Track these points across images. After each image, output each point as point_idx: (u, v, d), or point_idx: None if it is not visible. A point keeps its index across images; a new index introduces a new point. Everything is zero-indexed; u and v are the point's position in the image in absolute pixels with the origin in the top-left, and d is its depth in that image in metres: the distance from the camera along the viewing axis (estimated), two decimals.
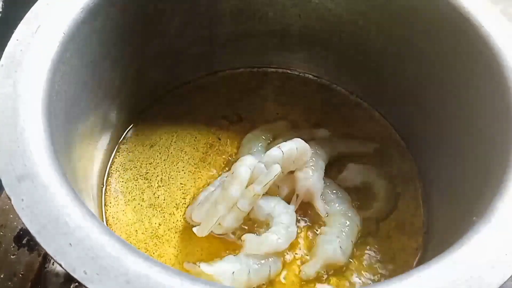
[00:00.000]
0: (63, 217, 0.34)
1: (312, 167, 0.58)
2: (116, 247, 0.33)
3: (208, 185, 0.59)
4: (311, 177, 0.57)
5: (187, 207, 0.58)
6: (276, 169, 0.53)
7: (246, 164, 0.53)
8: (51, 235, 0.34)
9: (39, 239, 0.33)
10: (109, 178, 0.60)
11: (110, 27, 0.52)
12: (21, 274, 0.55)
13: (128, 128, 0.64)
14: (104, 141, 0.59)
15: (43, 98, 0.41)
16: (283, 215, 0.54)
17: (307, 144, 0.57)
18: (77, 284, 0.56)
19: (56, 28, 0.45)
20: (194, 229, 0.53)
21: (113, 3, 0.51)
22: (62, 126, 0.45)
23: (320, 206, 0.56)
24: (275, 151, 0.55)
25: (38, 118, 0.40)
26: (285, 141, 0.60)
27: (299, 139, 0.56)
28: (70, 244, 0.33)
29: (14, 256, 0.56)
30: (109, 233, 0.34)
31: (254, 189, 0.52)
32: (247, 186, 0.52)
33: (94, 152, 0.57)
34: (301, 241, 0.56)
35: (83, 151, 0.52)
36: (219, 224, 0.52)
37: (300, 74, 0.72)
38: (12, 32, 0.44)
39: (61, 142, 0.44)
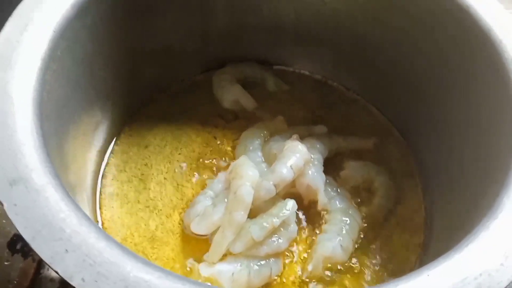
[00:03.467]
0: (58, 222, 0.33)
1: (309, 164, 0.57)
2: (114, 252, 0.32)
3: (205, 185, 0.58)
4: (309, 173, 0.56)
5: (184, 209, 0.57)
6: (294, 207, 0.52)
7: (249, 183, 0.51)
8: (46, 241, 0.32)
9: (34, 246, 0.32)
10: (103, 180, 0.58)
11: (101, 24, 0.51)
12: (16, 280, 0.54)
13: (122, 129, 0.63)
14: (97, 142, 0.57)
15: (34, 98, 0.40)
16: None
17: (308, 152, 0.55)
18: None
19: (45, 25, 0.44)
20: (205, 257, 0.51)
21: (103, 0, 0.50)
22: (54, 127, 0.43)
23: (321, 200, 0.55)
24: (285, 171, 0.53)
25: (29, 119, 0.38)
26: (282, 139, 0.59)
27: (300, 146, 0.55)
28: (67, 250, 0.32)
29: (8, 263, 0.55)
30: (107, 238, 0.33)
31: (274, 223, 0.51)
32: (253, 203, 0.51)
33: (88, 154, 0.55)
34: (301, 240, 0.55)
35: (76, 152, 0.51)
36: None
37: (296, 71, 0.70)
38: (0, 30, 0.43)
39: (54, 144, 0.42)
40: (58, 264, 0.31)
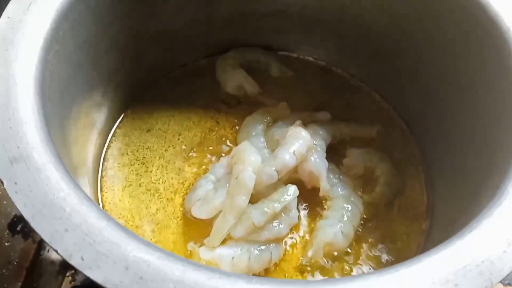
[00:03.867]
0: (58, 201, 0.33)
1: (312, 150, 0.56)
2: (114, 232, 0.32)
3: (207, 170, 0.57)
4: (312, 159, 0.55)
5: (186, 193, 0.56)
6: (295, 193, 0.52)
7: (251, 168, 0.51)
8: (46, 220, 0.32)
9: (33, 224, 0.32)
10: (105, 163, 0.58)
11: (104, 6, 0.50)
12: (16, 261, 0.54)
13: (125, 112, 0.62)
14: (99, 125, 0.57)
15: (36, 78, 0.39)
16: None
17: (311, 139, 0.55)
18: (73, 271, 0.54)
19: (48, 5, 0.43)
20: (205, 241, 0.51)
21: None
22: (56, 108, 0.43)
23: (323, 186, 0.55)
24: (287, 157, 0.53)
25: (31, 99, 0.38)
26: (285, 126, 0.59)
27: (303, 133, 0.55)
28: (66, 229, 0.32)
29: (8, 244, 0.55)
30: (107, 217, 0.33)
31: (275, 209, 0.50)
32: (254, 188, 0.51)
33: (90, 136, 0.55)
34: (303, 226, 0.55)
35: (78, 134, 0.51)
36: None
37: (300, 57, 0.70)
38: (3, 10, 0.42)
39: (56, 124, 0.42)
40: (57, 243, 0.31)
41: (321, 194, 0.55)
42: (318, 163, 0.55)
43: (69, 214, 0.32)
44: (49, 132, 0.37)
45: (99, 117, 0.57)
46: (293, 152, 0.53)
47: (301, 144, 0.54)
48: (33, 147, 0.35)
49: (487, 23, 0.48)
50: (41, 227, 0.32)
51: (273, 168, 0.52)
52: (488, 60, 0.48)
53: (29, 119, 0.37)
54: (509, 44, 0.46)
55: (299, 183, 0.55)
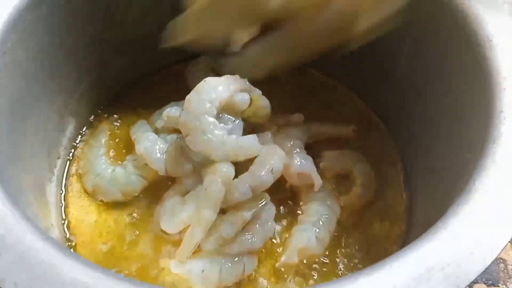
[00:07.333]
0: None
1: (293, 152, 0.54)
2: (51, 252, 0.30)
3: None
4: (295, 161, 0.53)
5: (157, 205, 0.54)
6: (267, 199, 0.50)
7: (221, 179, 0.48)
8: None
9: None
10: (70, 178, 0.56)
11: (58, 15, 0.49)
12: None
13: (91, 123, 0.61)
14: (62, 138, 0.55)
15: None
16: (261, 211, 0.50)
17: (286, 157, 0.52)
18: None
19: None
20: (173, 261, 0.48)
21: None
22: (6, 124, 0.42)
23: (317, 181, 0.53)
24: (263, 173, 0.49)
25: None
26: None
27: (278, 150, 0.52)
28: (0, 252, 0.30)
29: None
30: (44, 237, 0.31)
31: (245, 217, 0.48)
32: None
33: (52, 150, 0.53)
34: (278, 233, 0.53)
35: (37, 149, 0.49)
36: None
37: None
38: None
39: (4, 139, 0.41)
40: None
41: (316, 189, 0.53)
42: (303, 163, 0.53)
43: (2, 236, 0.31)
44: None
45: (62, 129, 0.55)
46: (271, 170, 0.50)
47: (276, 160, 0.51)
48: None
49: (456, 18, 0.46)
50: None
51: (247, 185, 0.49)
52: (459, 55, 0.47)
53: None
54: (478, 39, 0.44)
55: (275, 188, 0.53)
